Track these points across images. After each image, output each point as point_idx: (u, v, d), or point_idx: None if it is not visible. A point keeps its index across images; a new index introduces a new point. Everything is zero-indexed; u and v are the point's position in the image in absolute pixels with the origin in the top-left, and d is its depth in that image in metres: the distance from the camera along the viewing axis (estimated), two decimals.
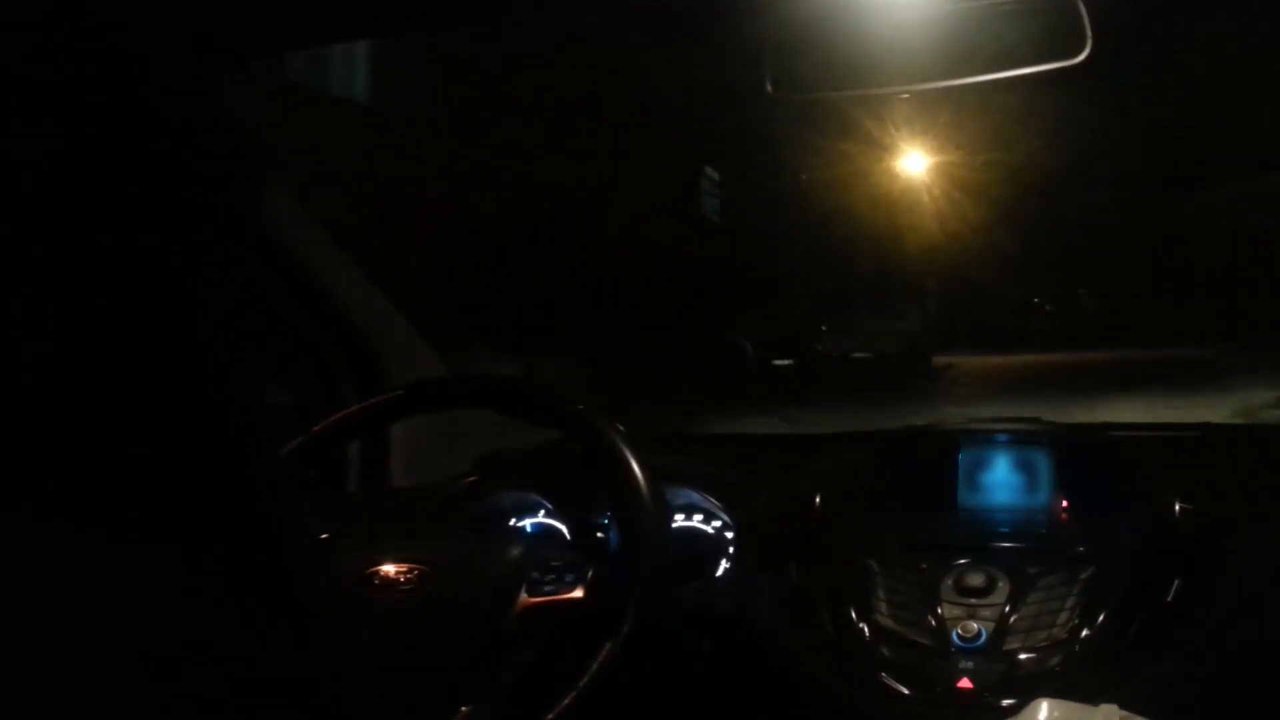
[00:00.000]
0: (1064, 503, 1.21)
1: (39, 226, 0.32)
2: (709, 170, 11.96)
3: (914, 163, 11.66)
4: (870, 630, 1.09)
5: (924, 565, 1.11)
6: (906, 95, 1.11)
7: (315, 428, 1.12)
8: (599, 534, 1.24)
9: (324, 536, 0.97)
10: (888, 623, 1.09)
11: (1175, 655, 1.02)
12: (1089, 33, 0.99)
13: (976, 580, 1.07)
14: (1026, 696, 0.83)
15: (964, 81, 1.06)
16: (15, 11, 0.32)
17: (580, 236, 8.43)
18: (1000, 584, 1.07)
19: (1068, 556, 1.10)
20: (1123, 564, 1.08)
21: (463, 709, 0.87)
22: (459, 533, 1.14)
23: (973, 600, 1.07)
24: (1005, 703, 0.98)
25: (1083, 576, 1.07)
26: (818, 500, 1.21)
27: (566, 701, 0.85)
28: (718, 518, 1.26)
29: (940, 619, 1.07)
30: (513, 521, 1.27)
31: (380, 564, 0.95)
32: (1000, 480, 1.23)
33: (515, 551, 0.96)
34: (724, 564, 1.23)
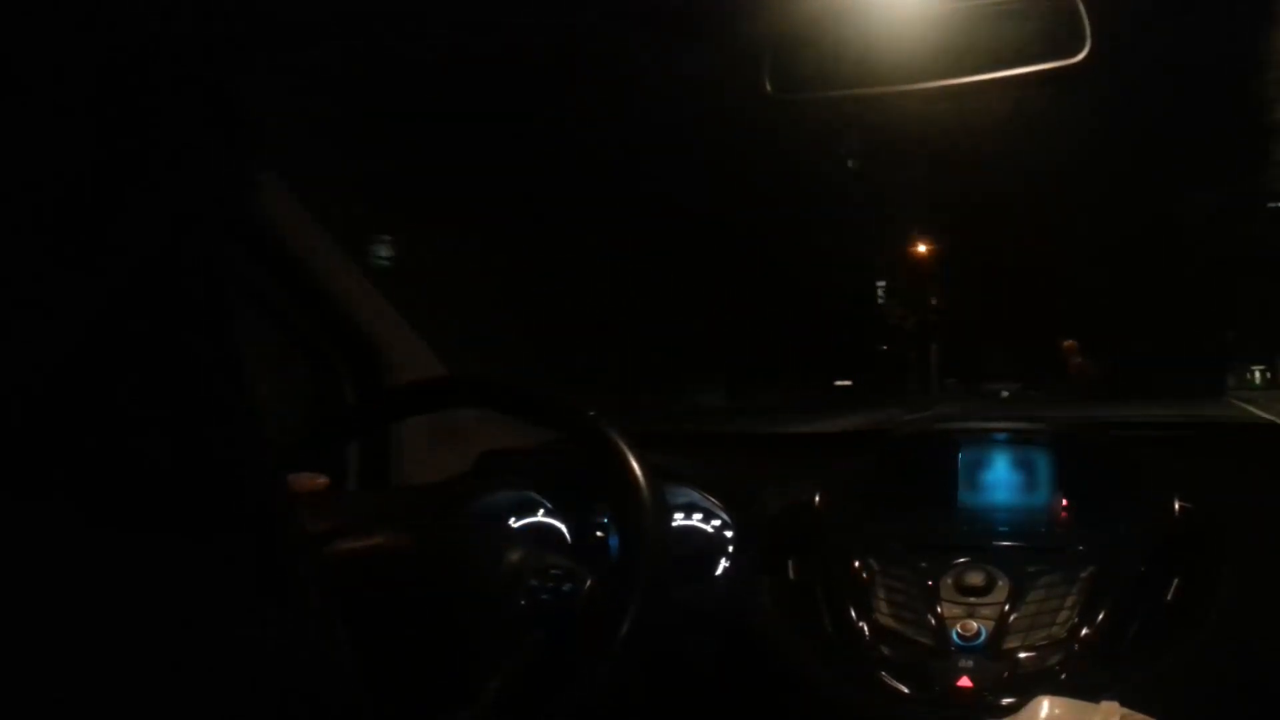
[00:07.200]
0: (1064, 502, 1.21)
1: (40, 222, 0.32)
2: None
3: None
4: (870, 629, 1.09)
5: (924, 564, 1.11)
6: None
7: (315, 427, 1.12)
8: (599, 533, 1.24)
9: (323, 534, 0.97)
10: (888, 622, 1.09)
11: (1175, 654, 1.02)
12: (1088, 33, 0.99)
13: (976, 579, 1.08)
14: (1026, 695, 0.83)
15: (963, 81, 1.07)
16: (18, 9, 0.32)
17: None
18: (1000, 583, 1.07)
19: (1067, 555, 1.10)
20: (1122, 563, 1.08)
21: (459, 713, 0.87)
22: (458, 533, 1.14)
23: (972, 599, 1.07)
24: (1005, 701, 0.98)
25: (1082, 575, 1.07)
26: (818, 500, 1.21)
27: (559, 710, 0.85)
28: (717, 517, 1.26)
29: (940, 618, 1.07)
30: (512, 521, 1.27)
31: (380, 565, 0.95)
32: (1000, 479, 1.23)
33: (514, 557, 0.96)
34: (724, 563, 1.23)
